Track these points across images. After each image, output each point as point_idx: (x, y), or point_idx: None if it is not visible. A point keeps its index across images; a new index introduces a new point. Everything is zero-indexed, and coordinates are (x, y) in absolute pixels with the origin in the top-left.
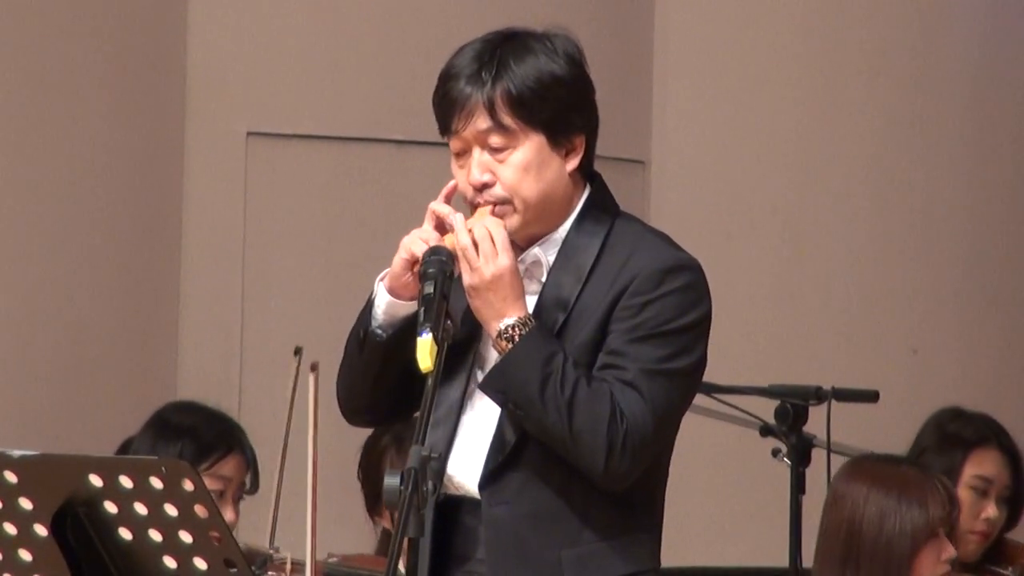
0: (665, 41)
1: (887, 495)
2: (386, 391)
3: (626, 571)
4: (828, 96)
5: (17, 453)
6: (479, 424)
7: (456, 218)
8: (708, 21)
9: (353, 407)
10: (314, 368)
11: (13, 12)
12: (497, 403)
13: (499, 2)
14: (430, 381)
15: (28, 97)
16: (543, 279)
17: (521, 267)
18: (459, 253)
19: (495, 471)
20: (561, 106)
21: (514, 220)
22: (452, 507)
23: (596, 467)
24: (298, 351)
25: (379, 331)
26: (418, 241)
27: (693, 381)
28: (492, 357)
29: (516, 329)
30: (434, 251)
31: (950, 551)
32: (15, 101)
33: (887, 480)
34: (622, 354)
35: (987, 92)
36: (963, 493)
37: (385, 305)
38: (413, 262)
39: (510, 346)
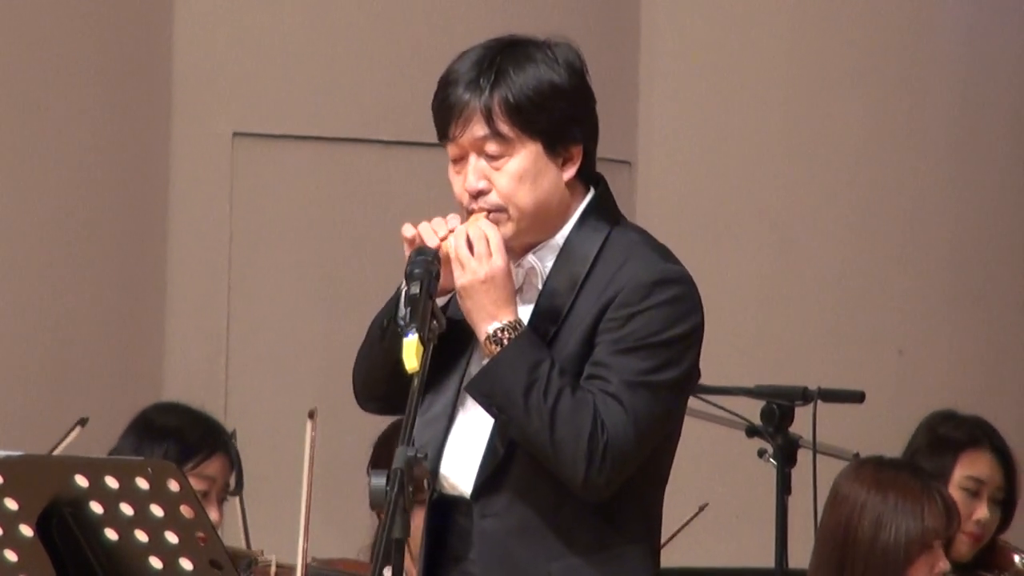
0: (651, 41)
1: (884, 501)
2: (403, 383)
3: None
4: (814, 97)
5: (2, 453)
6: (473, 424)
7: (453, 219)
8: (694, 22)
9: (368, 394)
10: (312, 416)
11: None
12: (482, 406)
13: (487, 3)
14: (416, 382)
15: (13, 97)
16: (539, 286)
17: (520, 273)
18: (453, 253)
19: (486, 483)
20: (559, 116)
21: (509, 228)
22: (447, 506)
23: (576, 478)
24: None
25: (402, 321)
26: (425, 225)
27: (679, 393)
28: (485, 358)
29: (505, 333)
30: (420, 251)
31: (943, 565)
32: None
33: (885, 486)
34: (606, 365)
35: (974, 95)
36: (954, 494)
37: None
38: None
39: (498, 350)
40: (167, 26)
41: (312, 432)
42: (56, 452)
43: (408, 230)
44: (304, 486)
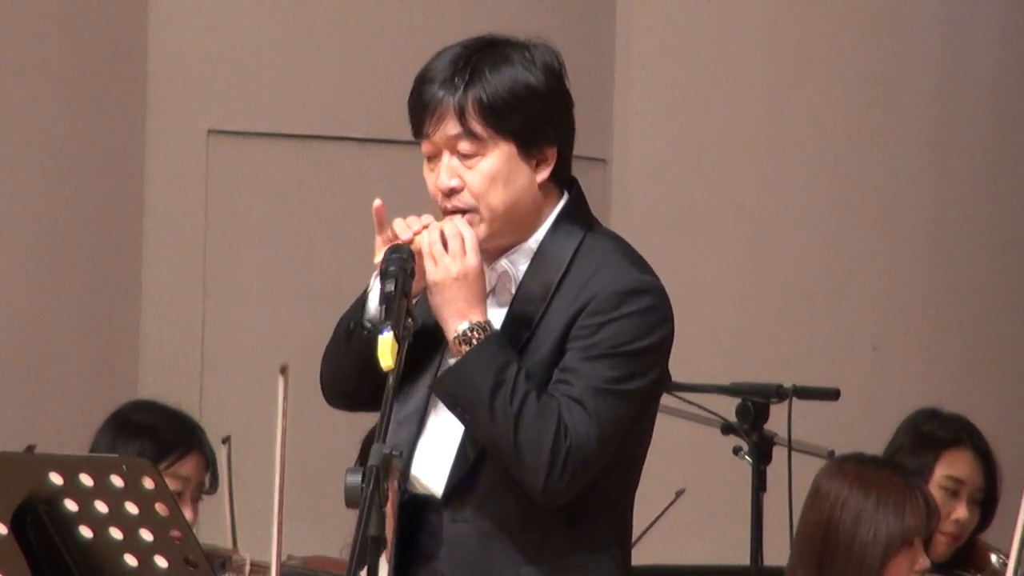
0: (627, 38)
1: (865, 498)
2: (371, 382)
3: None
4: (790, 95)
5: None
6: (444, 427)
7: (427, 218)
8: (670, 19)
9: (334, 391)
10: (283, 371)
11: None
12: (447, 406)
13: (462, 1)
14: (391, 380)
15: None
16: (513, 291)
17: (492, 276)
18: (426, 249)
19: (456, 487)
20: (533, 117)
21: (481, 229)
22: (417, 506)
23: (536, 482)
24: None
25: (368, 324)
26: (399, 221)
27: (645, 403)
28: (453, 358)
29: (475, 333)
30: (395, 249)
31: (923, 562)
32: None
33: (867, 483)
34: (574, 371)
35: (950, 92)
36: (934, 493)
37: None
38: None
39: (466, 349)
40: (142, 24)
41: (284, 389)
42: None
43: (377, 201)
44: (277, 449)
